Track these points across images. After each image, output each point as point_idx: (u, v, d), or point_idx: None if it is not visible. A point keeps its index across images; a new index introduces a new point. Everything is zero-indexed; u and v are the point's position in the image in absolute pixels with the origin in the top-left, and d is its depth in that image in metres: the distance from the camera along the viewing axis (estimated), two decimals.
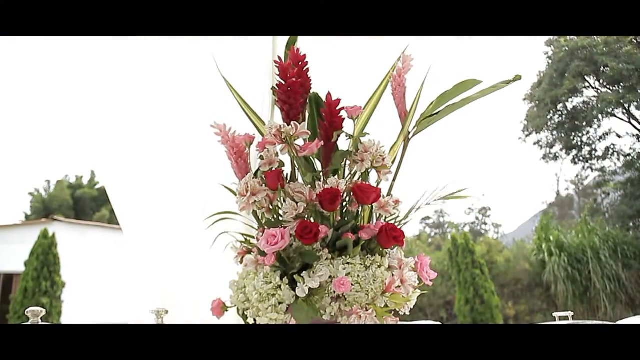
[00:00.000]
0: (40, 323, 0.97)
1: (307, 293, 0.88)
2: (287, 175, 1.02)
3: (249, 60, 1.53)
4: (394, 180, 1.07)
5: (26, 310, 0.97)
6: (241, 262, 1.00)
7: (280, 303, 0.89)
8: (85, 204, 22.00)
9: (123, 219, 1.49)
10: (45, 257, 9.38)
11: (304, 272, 0.90)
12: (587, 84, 11.66)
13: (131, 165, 1.50)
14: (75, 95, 1.47)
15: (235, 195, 1.00)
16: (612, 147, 12.09)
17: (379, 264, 0.92)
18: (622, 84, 10.83)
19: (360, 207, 1.00)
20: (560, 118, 12.28)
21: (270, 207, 1.00)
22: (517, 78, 1.02)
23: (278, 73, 1.01)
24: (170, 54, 1.48)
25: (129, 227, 1.50)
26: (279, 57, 1.02)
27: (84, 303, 10.17)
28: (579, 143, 12.34)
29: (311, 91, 1.07)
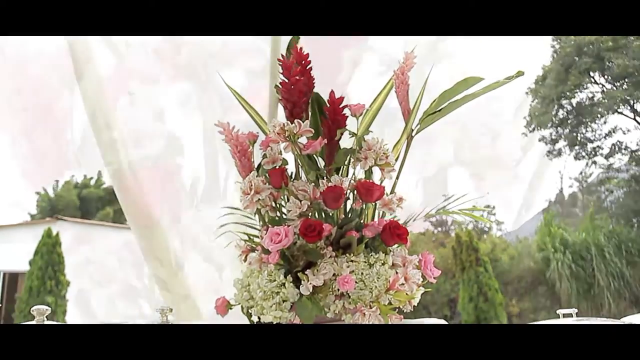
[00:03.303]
0: (45, 322, 0.97)
1: (311, 291, 0.88)
2: (290, 173, 1.03)
3: (249, 61, 1.53)
4: (397, 178, 1.07)
5: (31, 309, 0.97)
6: (245, 260, 1.01)
7: (284, 301, 0.90)
8: (91, 203, 22.02)
9: (130, 218, 1.50)
10: (49, 256, 9.41)
11: (307, 270, 0.90)
12: (592, 80, 11.56)
13: (136, 163, 1.50)
14: (83, 96, 1.48)
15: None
16: (618, 144, 12.01)
17: (382, 261, 0.92)
18: (627, 80, 10.73)
19: (364, 205, 1.00)
20: (565, 114, 12.20)
21: (274, 205, 1.00)
22: (520, 74, 1.02)
23: (281, 71, 1.01)
24: (175, 56, 1.49)
25: (135, 226, 1.51)
26: (282, 56, 1.02)
27: (89, 302, 10.21)
28: (584, 139, 12.27)
29: (314, 90, 1.07)
